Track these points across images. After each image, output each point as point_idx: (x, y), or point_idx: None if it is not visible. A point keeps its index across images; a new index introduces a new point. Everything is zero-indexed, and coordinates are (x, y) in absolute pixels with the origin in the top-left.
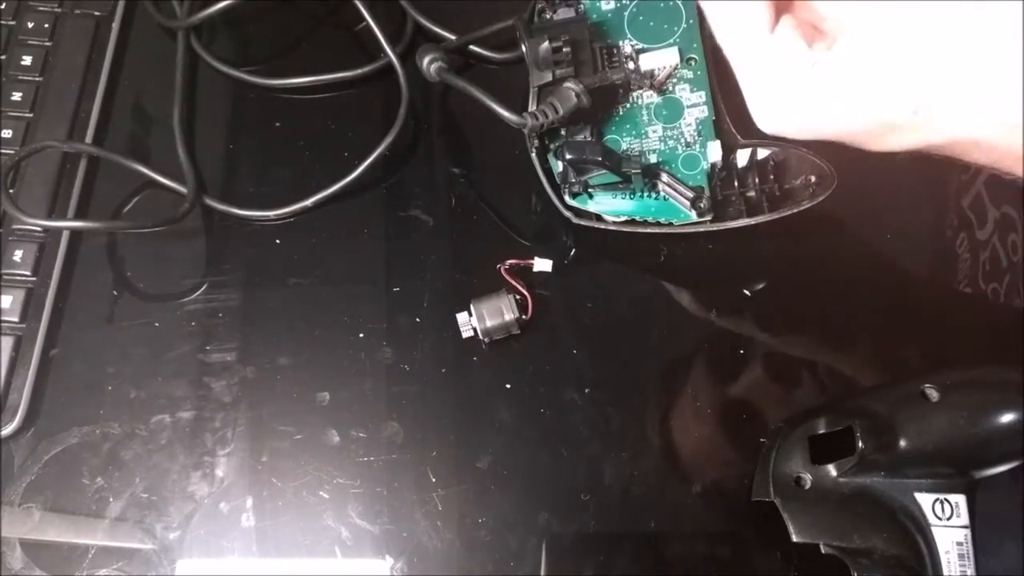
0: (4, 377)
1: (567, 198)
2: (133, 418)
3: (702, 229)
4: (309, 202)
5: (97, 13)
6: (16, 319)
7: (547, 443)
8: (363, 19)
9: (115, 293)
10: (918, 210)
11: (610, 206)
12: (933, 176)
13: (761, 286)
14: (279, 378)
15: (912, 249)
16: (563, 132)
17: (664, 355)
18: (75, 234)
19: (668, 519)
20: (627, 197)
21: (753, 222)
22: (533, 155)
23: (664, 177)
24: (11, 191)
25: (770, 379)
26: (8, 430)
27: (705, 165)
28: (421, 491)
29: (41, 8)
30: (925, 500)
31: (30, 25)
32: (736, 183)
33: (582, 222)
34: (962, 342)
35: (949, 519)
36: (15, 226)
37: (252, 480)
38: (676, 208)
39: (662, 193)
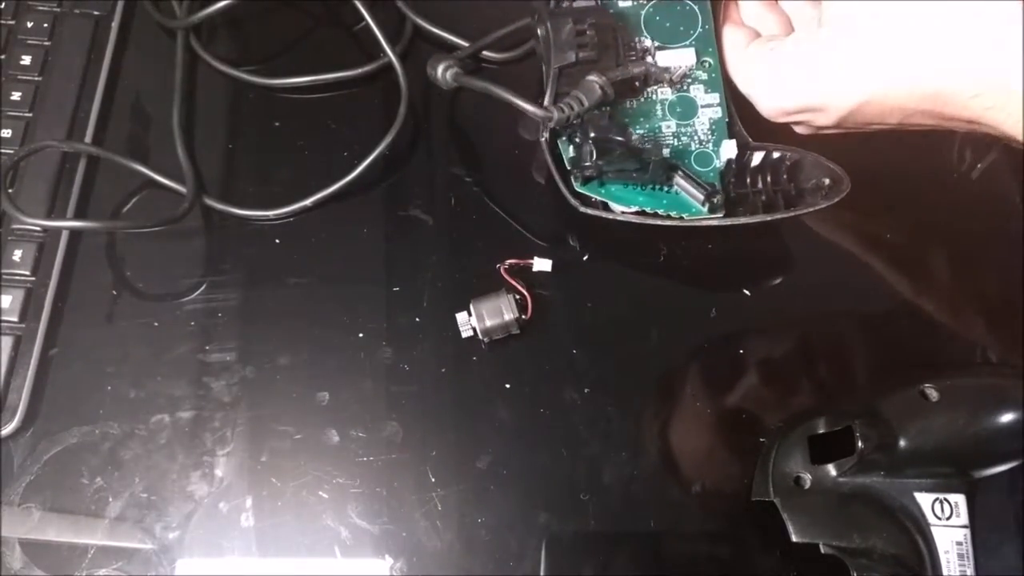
0: (4, 377)
1: (576, 184)
2: (133, 418)
3: (713, 223)
4: (309, 202)
5: (96, 13)
6: (15, 319)
7: (547, 443)
8: (363, 19)
9: (115, 293)
10: (918, 210)
11: (621, 195)
12: (933, 177)
13: (761, 286)
14: (279, 378)
15: (911, 249)
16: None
17: (664, 355)
18: (74, 234)
19: (668, 519)
20: (638, 188)
21: (766, 219)
22: (543, 140)
23: (679, 171)
24: (10, 191)
25: (770, 379)
26: (8, 430)
27: (718, 163)
28: (421, 491)
29: (40, 8)
30: (925, 500)
31: (29, 25)
32: (749, 182)
33: (588, 211)
34: (962, 342)
35: (949, 519)
36: (14, 226)
37: (252, 480)
38: (687, 203)
39: (675, 187)
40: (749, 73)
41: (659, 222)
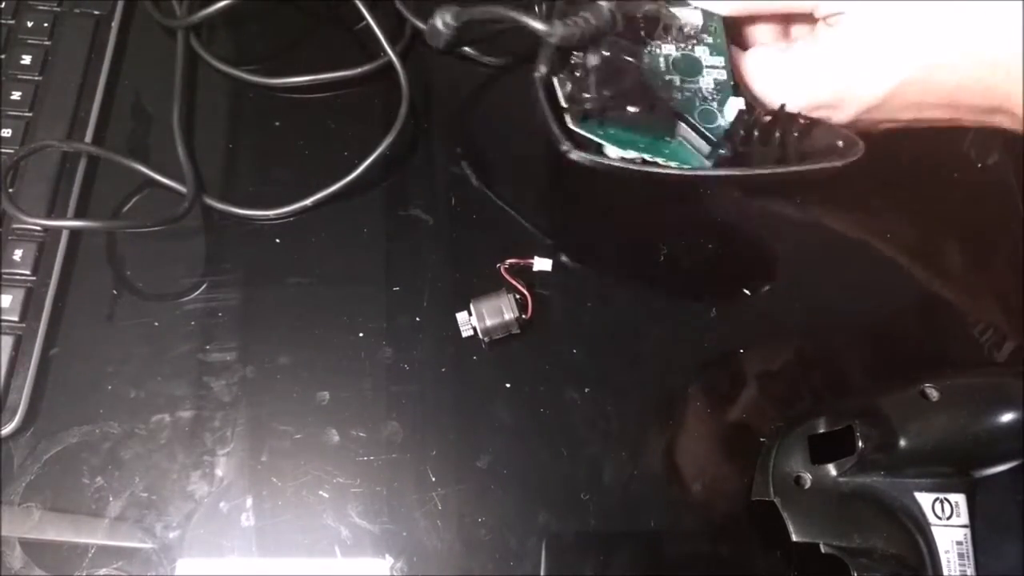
0: (4, 377)
1: (573, 122)
2: (133, 417)
3: (718, 173)
4: (309, 202)
5: (96, 12)
6: (16, 318)
7: (547, 443)
8: (363, 19)
9: (115, 292)
10: (919, 209)
11: (620, 139)
12: (931, 177)
13: (761, 286)
14: (279, 378)
15: (912, 250)
16: (574, 60)
17: (664, 355)
18: (75, 233)
19: (668, 519)
20: (640, 135)
21: (777, 172)
22: (539, 74)
23: (684, 120)
24: (11, 190)
25: (770, 378)
26: (8, 429)
27: (723, 122)
28: (421, 490)
29: (40, 7)
30: (925, 499)
31: (29, 24)
32: (757, 137)
33: (580, 156)
34: (962, 342)
35: (949, 519)
36: (15, 225)
37: (252, 480)
38: (690, 155)
39: (678, 137)
40: (762, 71)
41: (656, 170)
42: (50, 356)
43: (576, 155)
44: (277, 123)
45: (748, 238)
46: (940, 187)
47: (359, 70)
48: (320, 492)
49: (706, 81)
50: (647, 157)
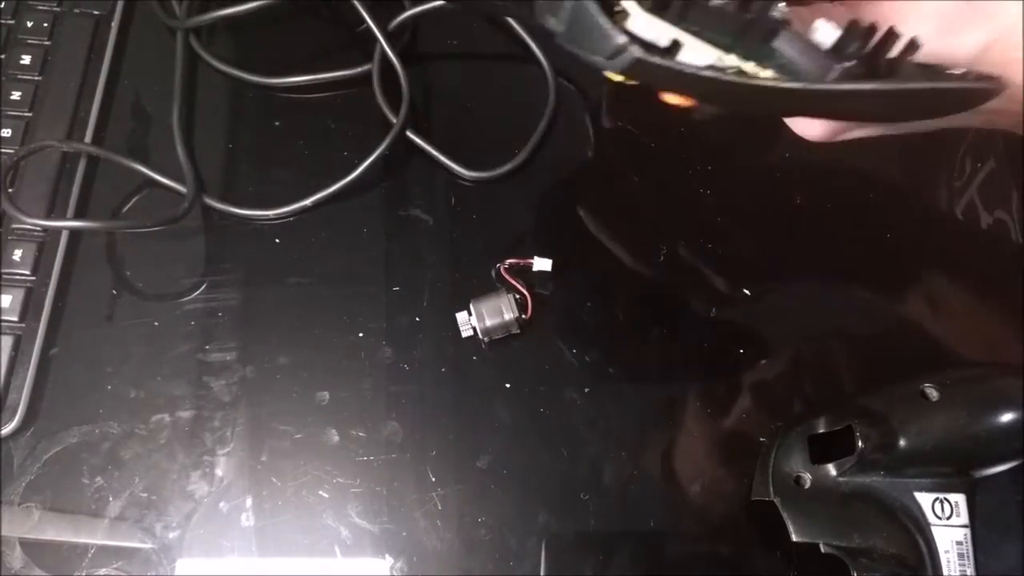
0: (4, 377)
1: (638, 15)
2: (133, 417)
3: (859, 87)
4: (309, 202)
5: (96, 12)
6: (16, 319)
7: (547, 443)
8: (363, 19)
9: (114, 292)
10: (919, 209)
11: (712, 38)
12: (927, 180)
13: (761, 286)
14: (279, 378)
15: (909, 251)
16: None
17: (664, 355)
18: (74, 234)
19: (668, 519)
20: (735, 36)
21: (925, 86)
22: None
23: (784, 30)
24: (10, 191)
25: (770, 379)
26: (8, 429)
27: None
28: (421, 490)
29: (40, 7)
30: (925, 499)
31: (29, 24)
32: (866, 62)
33: (653, 59)
34: (962, 342)
35: (949, 518)
36: (15, 225)
37: (251, 479)
38: (796, 70)
39: (777, 49)
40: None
41: (755, 82)
42: (50, 356)
43: (639, 56)
44: (277, 123)
45: (750, 236)
46: (940, 189)
47: (359, 70)
48: (320, 492)
49: (775, 10)
50: (750, 66)
